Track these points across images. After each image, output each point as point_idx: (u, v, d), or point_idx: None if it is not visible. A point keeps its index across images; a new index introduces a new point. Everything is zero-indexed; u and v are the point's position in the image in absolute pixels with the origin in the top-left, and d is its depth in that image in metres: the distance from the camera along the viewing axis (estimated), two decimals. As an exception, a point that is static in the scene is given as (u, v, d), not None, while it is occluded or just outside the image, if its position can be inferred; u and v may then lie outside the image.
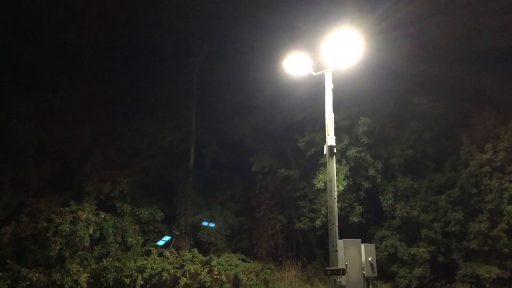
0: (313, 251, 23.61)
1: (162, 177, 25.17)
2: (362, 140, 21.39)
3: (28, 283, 19.88)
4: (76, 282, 20.07)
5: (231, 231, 25.07)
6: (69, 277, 20.06)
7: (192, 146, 26.03)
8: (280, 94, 22.31)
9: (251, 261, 23.17)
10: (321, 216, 21.29)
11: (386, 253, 20.13)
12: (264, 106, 24.01)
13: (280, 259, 23.66)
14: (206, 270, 21.48)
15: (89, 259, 21.40)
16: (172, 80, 25.86)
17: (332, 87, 11.76)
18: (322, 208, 21.23)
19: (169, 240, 24.21)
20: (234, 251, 24.05)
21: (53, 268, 20.62)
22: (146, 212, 23.70)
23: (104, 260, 21.30)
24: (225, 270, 21.68)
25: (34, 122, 23.28)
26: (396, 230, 20.81)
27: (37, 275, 20.16)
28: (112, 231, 22.39)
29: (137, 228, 23.45)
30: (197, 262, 21.88)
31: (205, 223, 22.00)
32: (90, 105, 24.11)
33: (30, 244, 21.49)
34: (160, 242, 20.55)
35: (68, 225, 21.05)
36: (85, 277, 20.32)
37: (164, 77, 25.69)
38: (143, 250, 22.83)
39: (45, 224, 21.23)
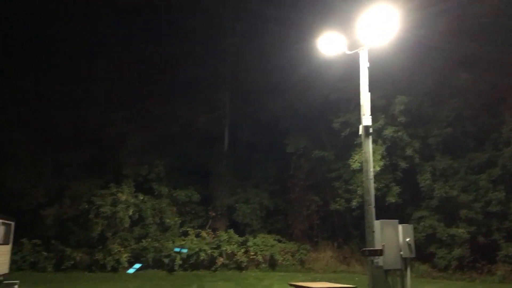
0: (349, 231, 23.50)
1: (197, 160, 25.45)
2: (398, 119, 20.92)
3: (72, 262, 20.76)
4: (118, 261, 20.79)
5: (266, 212, 25.21)
6: (111, 257, 20.79)
7: (226, 128, 26.16)
8: (313, 74, 21.97)
9: (287, 241, 23.32)
10: (357, 197, 21.10)
11: (424, 234, 19.80)
12: (298, 86, 23.77)
13: (316, 239, 23.68)
14: (242, 250, 21.77)
15: (129, 239, 22.08)
16: (205, 63, 25.93)
17: (368, 66, 11.49)
18: (358, 188, 21.03)
19: (206, 221, 24.58)
20: (270, 232, 24.24)
21: (95, 248, 21.40)
22: (183, 194, 24.14)
23: (144, 241, 21.93)
24: (261, 251, 21.91)
25: (71, 108, 23.93)
26: (434, 210, 20.40)
27: (80, 255, 21.02)
28: (151, 213, 22.97)
29: (174, 209, 23.97)
30: (233, 243, 22.19)
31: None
32: (125, 90, 24.54)
33: (73, 226, 22.35)
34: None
35: (108, 207, 21.75)
36: (126, 257, 21.02)
37: (197, 60, 25.76)
38: (181, 231, 23.33)
39: (86, 206, 22.02)
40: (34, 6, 24.33)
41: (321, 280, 15.70)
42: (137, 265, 19.62)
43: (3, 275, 13.66)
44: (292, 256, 22.34)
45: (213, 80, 26.18)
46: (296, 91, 23.98)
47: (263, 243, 22.40)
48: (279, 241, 23.13)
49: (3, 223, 13.56)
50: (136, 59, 24.87)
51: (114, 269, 20.67)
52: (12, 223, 14.76)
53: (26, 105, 23.42)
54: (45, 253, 20.94)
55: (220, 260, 21.37)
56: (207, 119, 25.38)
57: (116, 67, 24.45)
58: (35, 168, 22.98)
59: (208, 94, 25.94)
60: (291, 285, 11.96)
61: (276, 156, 25.78)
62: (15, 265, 19.42)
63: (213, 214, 24.51)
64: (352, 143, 21.45)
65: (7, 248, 14.52)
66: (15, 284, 6.55)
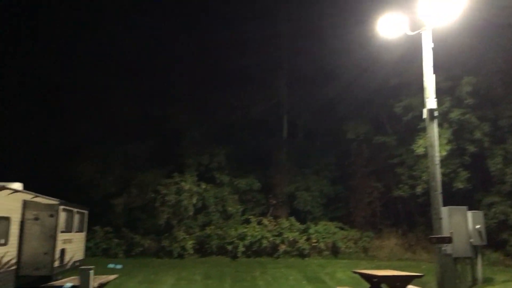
0: (414, 219, 22.83)
1: (256, 148, 25.68)
2: (466, 101, 19.92)
3: (141, 249, 21.75)
4: (183, 248, 21.52)
5: (327, 200, 25.05)
6: (177, 244, 21.55)
7: (284, 116, 26.11)
8: (372, 57, 21.36)
9: (349, 229, 23.07)
10: (422, 182, 20.42)
11: (496, 221, 18.84)
12: (356, 70, 23.19)
13: (379, 227, 23.22)
14: (304, 238, 21.80)
15: (193, 227, 22.79)
16: (261, 50, 25.85)
17: (432, 46, 11.02)
18: (422, 174, 20.33)
19: (267, 208, 24.80)
20: (331, 220, 24.09)
21: (162, 235, 22.25)
22: (244, 182, 24.47)
23: (207, 228, 22.53)
24: (323, 238, 21.84)
25: (136, 102, 24.92)
26: (506, 196, 19.35)
27: (148, 241, 21.97)
28: (213, 201, 23.53)
29: (236, 197, 24.38)
30: (295, 230, 22.28)
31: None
32: (184, 82, 25.16)
33: (141, 214, 23.37)
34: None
35: (173, 196, 22.53)
36: (191, 244, 21.69)
37: (253, 47, 25.77)
38: (243, 219, 23.72)
39: (152, 195, 22.93)
40: (97, 3, 25.47)
41: (386, 268, 15.42)
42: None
43: (79, 260, 14.56)
44: (355, 243, 22.09)
45: (269, 67, 26.12)
46: (354, 76, 23.46)
47: (325, 231, 22.31)
48: (341, 228, 22.94)
49: (78, 212, 14.38)
50: (192, 51, 25.38)
51: (180, 256, 21.41)
52: (86, 212, 15.63)
53: (95, 100, 24.61)
54: (116, 240, 22.04)
55: (282, 247, 21.53)
56: (265, 108, 25.46)
57: (174, 62, 25.12)
58: (104, 160, 24.22)
59: (265, 81, 25.99)
60: (355, 272, 11.85)
61: (336, 143, 25.48)
62: (89, 252, 20.57)
63: (274, 201, 24.68)
64: (415, 127, 20.72)
65: (82, 236, 15.40)
66: (90, 269, 6.97)
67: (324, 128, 25.70)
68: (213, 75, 25.71)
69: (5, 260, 9.96)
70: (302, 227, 22.71)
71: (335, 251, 21.78)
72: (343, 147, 24.90)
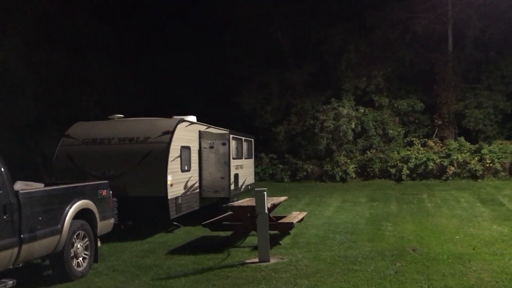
0: None
1: (418, 66, 23.97)
2: None
3: (305, 173, 22.60)
4: (345, 172, 21.74)
5: (503, 117, 22.56)
6: (339, 168, 21.85)
7: (449, 27, 23.52)
8: None
9: (532, 148, 20.61)
10: None
11: None
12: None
13: None
14: (476, 158, 20.21)
15: (354, 151, 22.79)
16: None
17: None
18: None
19: (432, 129, 23.40)
20: (508, 138, 21.81)
21: (323, 160, 22.73)
22: (405, 103, 23.29)
23: (368, 152, 22.31)
24: (498, 159, 19.96)
25: (290, 28, 24.88)
26: None
27: (311, 166, 22.70)
28: (373, 124, 23.02)
29: (397, 120, 23.47)
30: (465, 151, 20.79)
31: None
32: (339, 4, 24.16)
33: (301, 140, 24.07)
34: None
35: (331, 121, 22.60)
36: (352, 168, 21.80)
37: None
38: (405, 141, 22.85)
39: (311, 122, 23.34)
40: None
41: None
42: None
43: (251, 184, 15.77)
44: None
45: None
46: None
47: (501, 150, 20.36)
48: (522, 147, 20.62)
49: (245, 140, 15.37)
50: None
51: (343, 179, 21.69)
52: (252, 140, 16.65)
53: (252, 30, 25.14)
54: (280, 166, 23.24)
55: (451, 169, 20.27)
56: (427, 20, 23.12)
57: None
58: (264, 90, 25.15)
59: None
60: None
61: (514, 51, 22.30)
62: (257, 177, 22.00)
63: (440, 122, 23.12)
64: None
65: (251, 162, 16.55)
66: (264, 190, 7.47)
67: (499, 35, 22.49)
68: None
69: (190, 184, 11.24)
70: (473, 147, 21.06)
71: (513, 172, 19.81)
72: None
